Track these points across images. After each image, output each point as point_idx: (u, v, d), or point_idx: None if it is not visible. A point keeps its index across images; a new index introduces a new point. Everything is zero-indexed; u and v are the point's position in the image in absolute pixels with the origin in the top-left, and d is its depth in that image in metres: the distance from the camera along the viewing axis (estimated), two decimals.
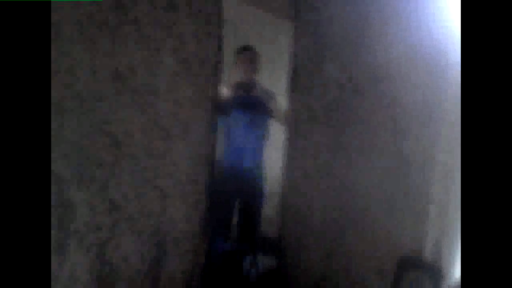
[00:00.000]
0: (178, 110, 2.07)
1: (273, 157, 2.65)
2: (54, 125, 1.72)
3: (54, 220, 1.78)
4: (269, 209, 2.78)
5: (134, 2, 1.88)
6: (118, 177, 1.93)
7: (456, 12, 1.71)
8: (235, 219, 2.81)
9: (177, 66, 2.03)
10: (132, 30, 1.88)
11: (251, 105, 2.59)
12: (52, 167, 1.74)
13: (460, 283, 2.21)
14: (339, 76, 2.07)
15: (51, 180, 1.70)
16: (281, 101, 2.49)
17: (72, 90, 1.76)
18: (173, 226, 2.16)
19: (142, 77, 1.93)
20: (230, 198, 2.68)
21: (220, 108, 2.44)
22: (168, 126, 2.05)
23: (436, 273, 1.99)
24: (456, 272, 2.36)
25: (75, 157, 1.80)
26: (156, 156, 2.04)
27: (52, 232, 1.78)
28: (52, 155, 1.74)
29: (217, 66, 2.19)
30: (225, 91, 2.58)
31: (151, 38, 1.94)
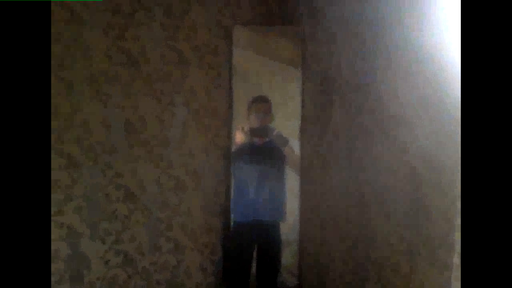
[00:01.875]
0: (190, 161, 2.09)
1: (289, 203, 2.64)
2: (67, 179, 1.76)
3: (69, 273, 1.79)
4: (287, 258, 2.74)
5: (146, 58, 1.94)
6: (132, 229, 1.94)
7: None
8: (253, 269, 2.77)
9: (188, 118, 2.07)
10: (145, 85, 1.94)
11: (266, 151, 2.59)
12: (66, 221, 1.77)
13: None
14: (348, 123, 2.08)
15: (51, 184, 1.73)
16: (295, 147, 2.50)
17: (86, 144, 1.80)
18: (188, 278, 2.14)
19: (154, 130, 1.97)
20: (248, 246, 2.65)
21: (235, 155, 2.45)
22: (181, 177, 2.07)
23: None
24: None
25: (89, 211, 1.83)
26: (170, 207, 2.05)
27: (67, 285, 1.79)
28: (66, 208, 1.77)
29: (228, 116, 2.22)
30: (239, 137, 2.59)
31: (162, 92, 1.99)
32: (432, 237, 1.81)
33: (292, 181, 2.54)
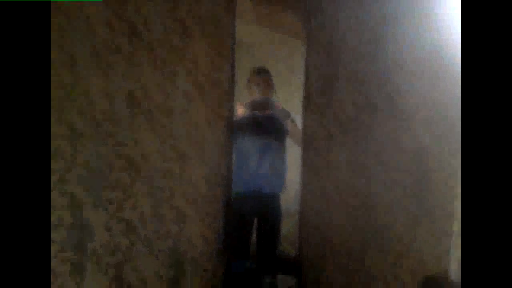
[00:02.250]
0: (193, 131, 2.10)
1: (290, 175, 2.65)
2: (70, 149, 1.78)
3: (71, 241, 1.82)
4: (287, 227, 2.77)
5: (148, 28, 1.93)
6: (135, 198, 1.96)
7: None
8: (253, 238, 2.81)
9: (191, 88, 2.07)
10: (147, 55, 1.93)
11: (267, 123, 2.60)
12: (69, 189, 1.79)
13: None
14: (353, 94, 2.07)
15: (51, 182, 1.75)
16: (297, 119, 2.50)
17: (88, 114, 1.81)
18: (190, 246, 2.17)
19: (157, 100, 1.98)
20: (248, 217, 2.68)
21: (236, 127, 2.46)
22: (183, 147, 2.07)
23: None
24: None
25: (92, 180, 1.84)
26: (172, 177, 2.06)
27: (70, 253, 1.82)
28: (69, 177, 1.79)
29: (230, 87, 2.22)
30: (240, 110, 2.60)
31: (165, 62, 1.98)
32: (434, 206, 1.83)
33: (294, 153, 2.56)
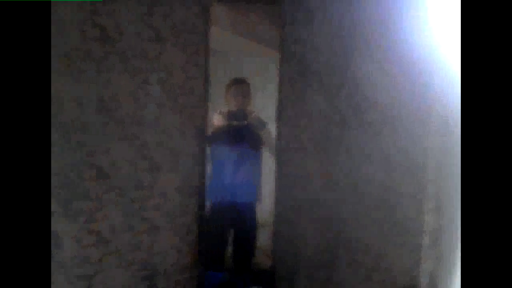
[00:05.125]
0: (165, 141, 2.06)
1: (264, 187, 2.64)
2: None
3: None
4: (262, 240, 2.75)
5: (121, 33, 1.89)
6: (106, 209, 1.91)
7: (439, 48, 1.72)
8: (229, 251, 2.78)
9: (164, 97, 2.04)
10: (119, 61, 1.89)
11: (243, 134, 2.59)
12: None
13: None
14: (324, 106, 2.08)
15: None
16: (272, 130, 2.51)
17: (58, 121, 1.75)
18: (163, 259, 2.12)
19: (129, 108, 1.93)
20: (223, 229, 2.66)
21: (212, 137, 2.44)
22: (155, 157, 2.04)
23: None
24: None
25: (62, 190, 1.78)
26: (144, 187, 2.02)
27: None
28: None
29: (204, 96, 2.19)
30: (216, 120, 2.59)
31: (137, 69, 1.95)
32: (402, 219, 1.85)
33: (268, 164, 2.55)
